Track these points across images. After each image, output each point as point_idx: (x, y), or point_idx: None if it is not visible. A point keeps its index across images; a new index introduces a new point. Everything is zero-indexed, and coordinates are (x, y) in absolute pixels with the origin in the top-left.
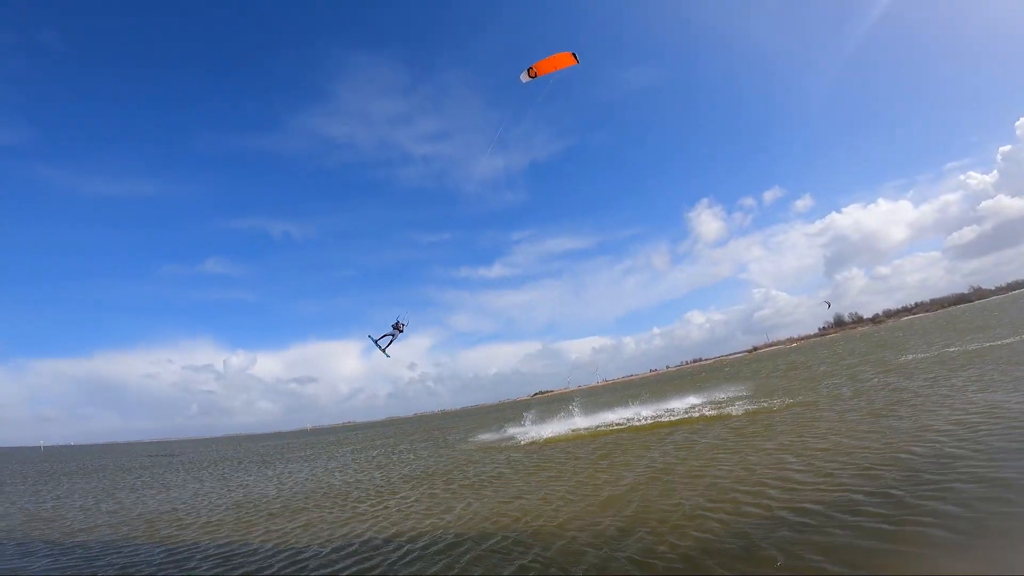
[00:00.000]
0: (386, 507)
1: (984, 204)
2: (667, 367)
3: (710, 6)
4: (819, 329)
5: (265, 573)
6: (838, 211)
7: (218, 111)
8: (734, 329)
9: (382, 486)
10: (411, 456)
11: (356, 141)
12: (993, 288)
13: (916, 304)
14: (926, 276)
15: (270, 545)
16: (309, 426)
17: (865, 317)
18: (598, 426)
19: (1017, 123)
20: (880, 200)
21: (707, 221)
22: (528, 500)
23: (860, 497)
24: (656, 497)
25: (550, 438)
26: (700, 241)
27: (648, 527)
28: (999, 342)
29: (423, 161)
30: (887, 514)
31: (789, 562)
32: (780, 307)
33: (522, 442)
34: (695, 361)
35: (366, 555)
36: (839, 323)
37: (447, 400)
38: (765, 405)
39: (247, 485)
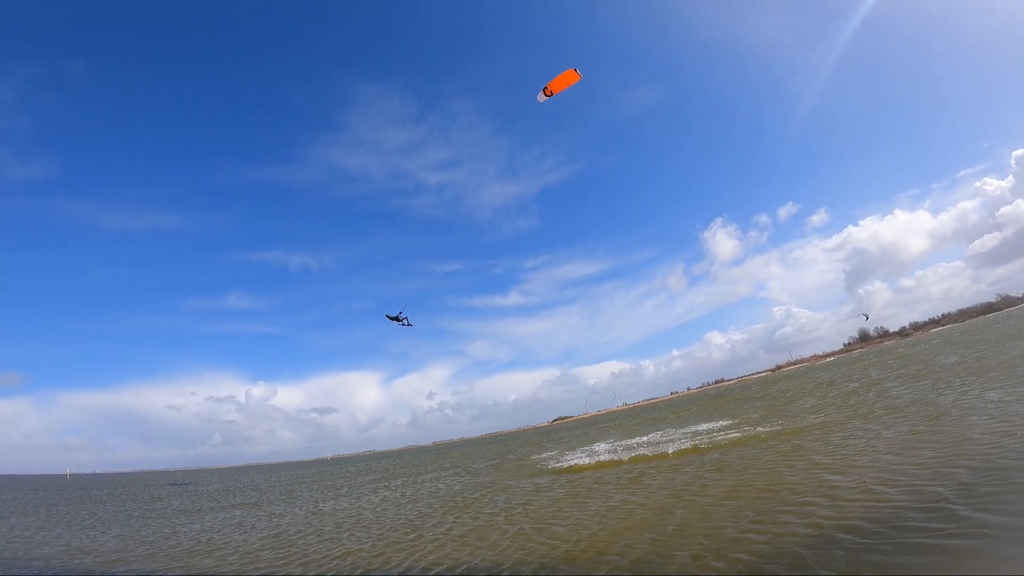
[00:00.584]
0: (420, 536)
1: (1004, 210)
2: (688, 389)
3: (717, 24)
4: (844, 345)
5: None
6: (855, 224)
7: (237, 143)
8: (756, 348)
9: (413, 516)
10: (439, 485)
11: (369, 171)
12: (1021, 295)
13: (943, 315)
14: (951, 286)
15: None
16: (329, 455)
17: (891, 330)
18: (624, 450)
19: None
20: (897, 211)
21: (722, 240)
22: (562, 526)
23: (913, 513)
24: (695, 520)
25: (575, 465)
26: (716, 261)
27: (689, 551)
28: None
29: (435, 190)
30: (945, 528)
31: None
32: (802, 324)
33: (548, 468)
34: (717, 382)
35: None
36: (864, 338)
37: (466, 428)
38: (794, 424)
39: (279, 515)
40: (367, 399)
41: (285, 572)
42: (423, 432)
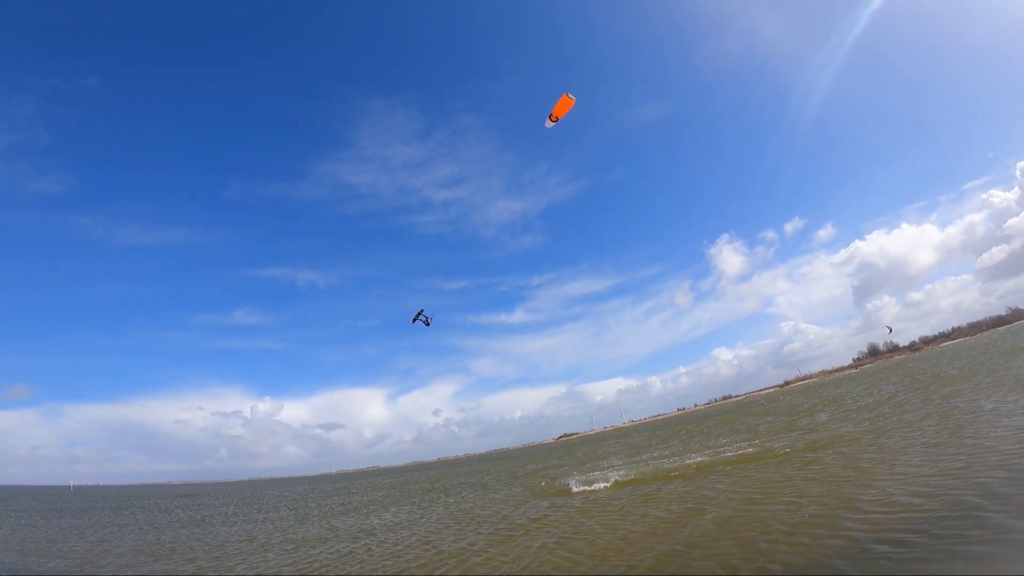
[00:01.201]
0: (440, 551)
1: (1011, 222)
2: (695, 405)
3: (719, 39)
4: (853, 360)
5: None
6: (861, 238)
7: (247, 160)
8: (764, 364)
9: (430, 531)
10: (450, 499)
11: (376, 188)
12: None
13: (953, 329)
14: (960, 300)
15: None
16: (334, 470)
17: (901, 345)
18: (635, 466)
19: None
20: (903, 224)
21: (729, 256)
22: (583, 541)
23: (946, 521)
24: (720, 533)
25: (588, 479)
26: (723, 277)
27: (718, 560)
28: None
29: (441, 207)
30: (981, 535)
31: None
32: (810, 340)
33: (561, 484)
34: (725, 398)
35: None
36: (874, 353)
37: (471, 444)
38: (809, 439)
39: (298, 538)
40: (373, 415)
41: None
42: (428, 448)
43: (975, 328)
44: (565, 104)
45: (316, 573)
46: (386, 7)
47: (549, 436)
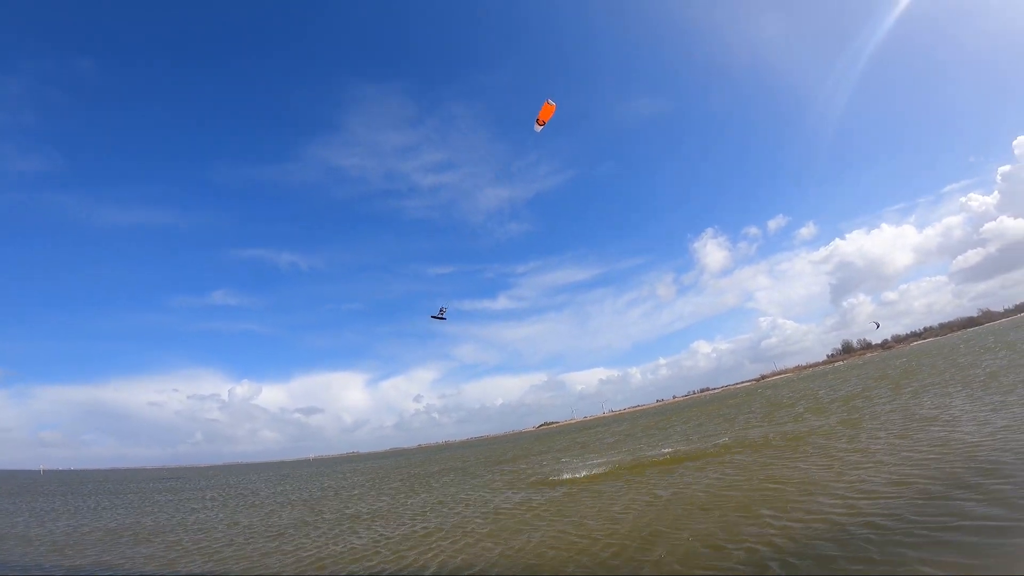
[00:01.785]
0: (430, 533)
1: (987, 226)
2: (674, 397)
3: (716, 39)
4: (827, 356)
5: None
6: (842, 238)
7: (235, 142)
8: (741, 358)
9: (419, 513)
10: (434, 484)
11: (365, 172)
12: (1002, 310)
13: (925, 329)
14: (933, 300)
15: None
16: (312, 456)
17: (874, 343)
18: (621, 455)
19: (1015, 142)
20: (883, 225)
21: (712, 251)
22: (571, 525)
23: (921, 507)
24: (704, 517)
25: (573, 466)
26: (706, 271)
27: (708, 543)
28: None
29: (429, 192)
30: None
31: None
32: (787, 335)
33: (546, 471)
34: (703, 390)
35: None
36: (847, 350)
37: (452, 431)
38: (786, 430)
39: (282, 523)
40: (353, 400)
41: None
42: (408, 435)
43: (946, 328)
44: (548, 110)
45: (303, 555)
46: None
47: (530, 424)
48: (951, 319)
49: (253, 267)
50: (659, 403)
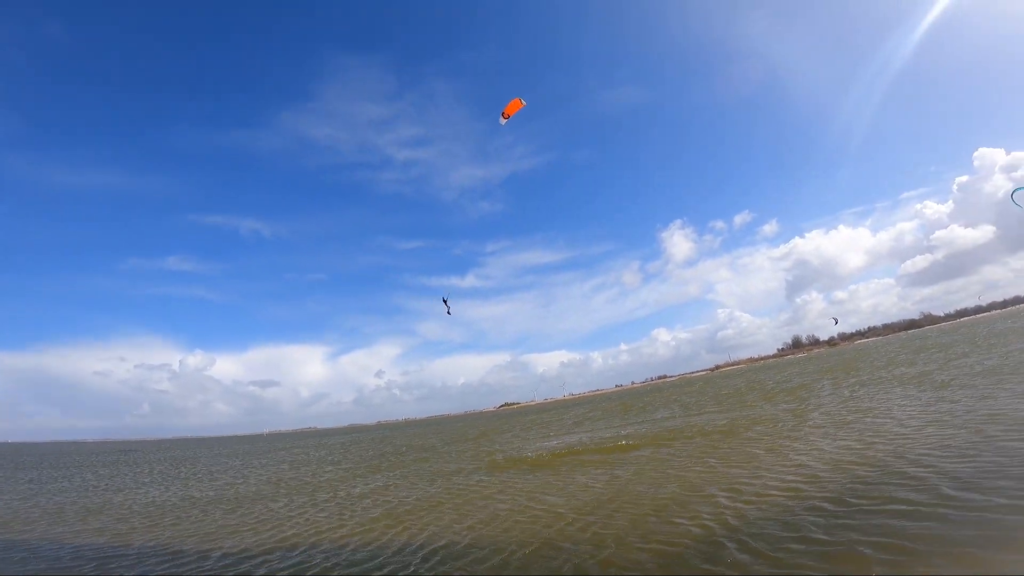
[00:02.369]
0: (397, 516)
1: (938, 234)
2: (632, 383)
3: (705, 35)
4: (778, 350)
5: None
6: (801, 236)
7: (202, 107)
8: (699, 348)
9: (394, 496)
10: (401, 461)
11: (337, 143)
12: (942, 315)
13: (869, 328)
14: (879, 302)
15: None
16: (267, 431)
17: (821, 339)
18: (581, 436)
19: (975, 153)
20: (841, 226)
21: (679, 242)
22: (532, 503)
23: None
24: (659, 495)
25: (539, 447)
26: (671, 261)
27: (682, 515)
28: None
29: (403, 166)
30: (879, 505)
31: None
32: (743, 328)
33: (512, 451)
34: (660, 378)
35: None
36: (797, 345)
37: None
38: (740, 416)
39: (241, 494)
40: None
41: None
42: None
43: (889, 329)
44: (515, 105)
45: (263, 529)
46: None
47: (491, 404)
48: (895, 320)
49: (213, 233)
50: (618, 388)
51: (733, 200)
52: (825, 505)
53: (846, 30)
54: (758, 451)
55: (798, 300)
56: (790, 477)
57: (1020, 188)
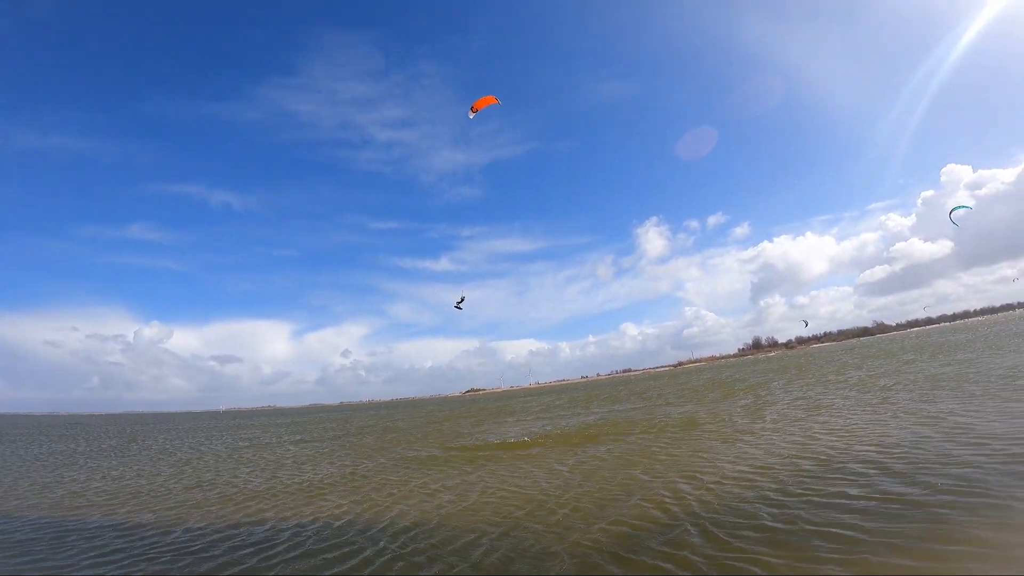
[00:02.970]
0: (368, 492)
1: (898, 246)
2: (598, 375)
3: (697, 33)
4: (739, 350)
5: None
6: (770, 240)
7: (179, 76)
8: (664, 343)
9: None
10: (367, 443)
11: (318, 119)
12: (894, 324)
13: (825, 333)
14: (837, 308)
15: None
16: (223, 407)
17: (780, 342)
18: (545, 426)
19: (943, 169)
20: (809, 233)
21: (654, 239)
22: (511, 489)
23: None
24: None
25: (505, 436)
26: (645, 257)
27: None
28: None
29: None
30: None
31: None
32: (708, 326)
33: (478, 438)
34: (625, 371)
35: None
36: (757, 346)
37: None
38: (694, 411)
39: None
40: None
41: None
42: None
43: (843, 335)
44: (488, 101)
45: (227, 503)
46: None
47: (457, 389)
48: (849, 327)
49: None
50: (584, 379)
51: (709, 201)
52: (777, 496)
53: (838, 36)
54: (716, 443)
55: (762, 302)
56: (745, 468)
57: (959, 207)
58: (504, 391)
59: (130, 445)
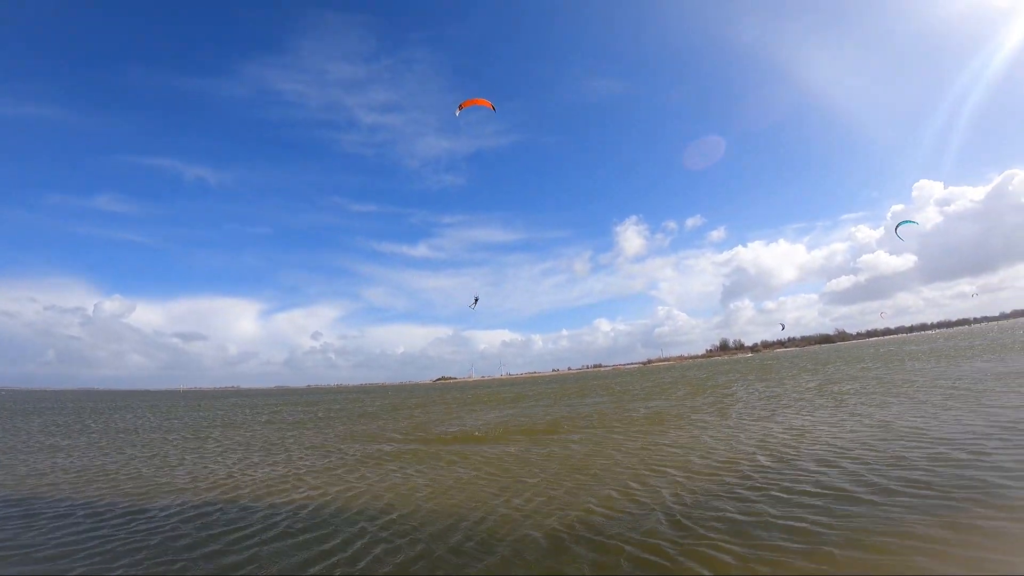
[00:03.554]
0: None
1: (864, 257)
2: (569, 368)
3: (694, 34)
4: (706, 351)
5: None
6: (744, 245)
7: (162, 49)
8: (635, 341)
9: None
10: (339, 428)
11: (304, 99)
12: (854, 333)
13: (789, 339)
14: (802, 315)
15: None
16: (183, 387)
17: (746, 345)
18: (514, 419)
19: (915, 184)
20: (782, 240)
21: (632, 237)
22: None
23: (757, 475)
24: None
25: (470, 427)
26: (622, 255)
27: (613, 487)
28: (839, 376)
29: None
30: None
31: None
32: (679, 326)
33: (448, 428)
34: (595, 366)
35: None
36: (724, 347)
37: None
38: (661, 407)
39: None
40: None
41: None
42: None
43: (805, 341)
44: (479, 102)
45: (200, 485)
46: None
47: (427, 377)
48: (812, 334)
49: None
50: (555, 372)
51: (689, 202)
52: (742, 491)
53: (835, 40)
54: (683, 438)
55: (731, 305)
56: (712, 463)
57: (905, 222)
58: (475, 380)
59: (84, 423)
